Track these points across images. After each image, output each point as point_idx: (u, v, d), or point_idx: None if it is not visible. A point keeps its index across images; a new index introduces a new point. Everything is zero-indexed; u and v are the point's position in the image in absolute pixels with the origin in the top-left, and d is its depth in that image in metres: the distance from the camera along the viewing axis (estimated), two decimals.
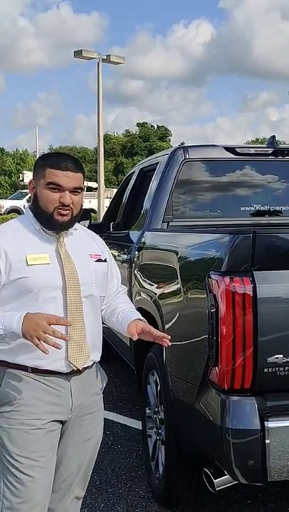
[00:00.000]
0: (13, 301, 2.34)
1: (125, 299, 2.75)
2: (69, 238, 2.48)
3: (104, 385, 2.64)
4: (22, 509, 2.32)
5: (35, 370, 2.35)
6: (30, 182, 2.47)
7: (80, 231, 2.61)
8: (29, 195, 2.71)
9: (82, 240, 2.55)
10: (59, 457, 2.46)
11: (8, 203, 34.78)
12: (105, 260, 2.58)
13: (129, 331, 2.49)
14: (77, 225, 2.57)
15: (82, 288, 2.41)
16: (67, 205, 2.38)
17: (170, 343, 2.51)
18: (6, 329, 2.24)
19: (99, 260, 2.55)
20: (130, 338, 3.90)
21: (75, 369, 2.39)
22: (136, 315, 2.61)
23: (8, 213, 31.99)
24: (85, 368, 2.46)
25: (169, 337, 2.50)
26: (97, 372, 2.59)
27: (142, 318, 2.60)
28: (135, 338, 2.47)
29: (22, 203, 30.81)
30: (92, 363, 2.51)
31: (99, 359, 2.57)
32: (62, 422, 2.44)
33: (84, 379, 2.47)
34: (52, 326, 2.19)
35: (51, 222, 2.40)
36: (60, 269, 2.39)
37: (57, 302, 2.36)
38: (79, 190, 2.43)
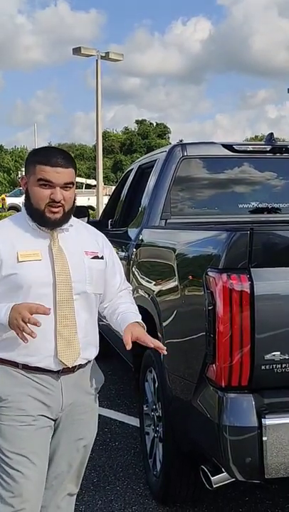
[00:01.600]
0: (6, 298, 2.32)
1: (127, 299, 2.69)
2: (64, 234, 2.45)
3: (100, 385, 2.60)
4: (13, 503, 2.31)
5: (26, 367, 2.34)
6: (23, 178, 2.45)
7: (79, 227, 2.58)
8: None
9: (78, 236, 2.52)
10: (50, 454, 2.46)
11: (7, 200, 34.79)
12: (102, 258, 2.55)
13: (125, 339, 2.42)
14: (75, 221, 2.55)
15: (73, 285, 2.38)
16: (58, 202, 2.36)
17: (166, 352, 2.51)
18: None
19: (95, 257, 2.51)
20: None
21: (65, 367, 2.37)
22: (134, 317, 2.56)
23: (7, 210, 32.00)
24: (79, 367, 2.44)
25: (164, 348, 2.48)
26: (93, 371, 2.55)
27: (139, 321, 2.55)
28: (129, 347, 2.39)
29: (21, 200, 30.82)
30: (85, 361, 2.47)
31: (94, 356, 2.54)
32: (54, 420, 2.44)
33: (77, 378, 2.44)
34: (34, 315, 2.19)
35: (43, 220, 2.38)
36: (51, 265, 2.37)
37: (47, 299, 2.33)
38: (70, 186, 2.39)
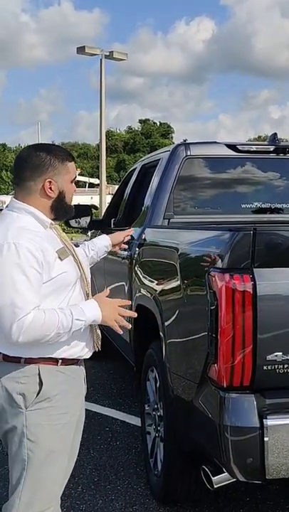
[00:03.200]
0: (51, 296, 2.31)
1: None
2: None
3: None
4: (54, 503, 2.38)
5: (64, 362, 2.36)
6: (48, 182, 2.37)
7: None
8: None
9: None
10: None
11: (9, 199, 34.82)
12: (77, 245, 2.75)
13: (117, 239, 3.13)
14: None
15: (87, 273, 2.53)
16: None
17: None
18: (88, 320, 2.31)
19: (76, 246, 2.69)
20: (130, 335, 3.93)
21: (97, 350, 2.49)
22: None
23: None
24: None
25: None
26: None
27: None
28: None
29: None
30: None
31: None
32: None
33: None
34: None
35: (68, 213, 2.49)
36: (74, 259, 2.44)
37: (81, 292, 2.44)
38: None
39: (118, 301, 2.45)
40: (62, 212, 2.46)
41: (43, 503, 2.32)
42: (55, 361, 2.33)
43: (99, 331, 2.52)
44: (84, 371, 2.52)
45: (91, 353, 2.48)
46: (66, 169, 2.40)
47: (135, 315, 2.60)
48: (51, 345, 2.28)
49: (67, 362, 2.37)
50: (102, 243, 3.05)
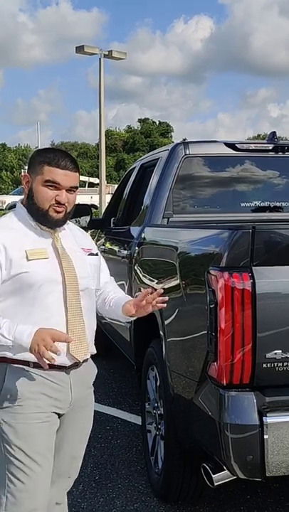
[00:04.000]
0: (14, 297, 2.34)
1: (113, 286, 2.80)
2: (63, 233, 2.50)
3: (94, 377, 2.64)
4: (27, 504, 2.33)
5: (37, 365, 2.35)
6: (25, 176, 2.45)
7: (72, 227, 2.64)
8: None
9: (74, 235, 2.59)
10: (54, 451, 2.47)
11: (9, 199, 34.73)
12: (97, 254, 2.64)
13: (126, 310, 2.54)
14: (68, 221, 2.60)
15: (79, 281, 2.44)
16: (63, 204, 2.39)
17: (165, 305, 2.53)
18: (16, 342, 2.24)
19: (91, 254, 2.60)
20: (130, 334, 3.93)
21: (76, 361, 2.41)
22: (126, 297, 2.67)
23: (9, 209, 31.99)
24: (84, 361, 2.48)
25: (165, 298, 2.51)
26: (90, 365, 2.59)
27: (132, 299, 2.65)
28: (133, 312, 2.52)
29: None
30: (90, 355, 2.53)
31: (95, 351, 2.58)
32: (59, 416, 2.46)
33: (82, 372, 2.48)
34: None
35: (46, 219, 2.41)
36: (58, 263, 2.40)
37: (57, 296, 2.38)
38: (74, 189, 2.44)
39: (50, 333, 2.22)
40: (37, 216, 2.41)
41: (26, 508, 2.33)
42: (26, 363, 2.35)
43: (86, 344, 2.44)
44: (70, 379, 2.43)
45: (69, 363, 2.39)
46: (40, 170, 2.38)
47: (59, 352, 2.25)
48: (21, 348, 2.30)
49: (41, 366, 2.34)
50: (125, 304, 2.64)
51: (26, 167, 2.57)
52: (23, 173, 2.37)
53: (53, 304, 2.35)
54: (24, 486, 2.31)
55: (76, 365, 2.44)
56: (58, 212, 2.40)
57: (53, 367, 2.36)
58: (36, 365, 2.35)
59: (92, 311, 2.57)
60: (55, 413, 2.42)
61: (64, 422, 2.49)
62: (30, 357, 2.32)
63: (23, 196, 2.51)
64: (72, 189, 2.42)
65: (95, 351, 2.57)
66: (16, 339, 2.23)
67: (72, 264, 2.44)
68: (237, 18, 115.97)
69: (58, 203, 2.38)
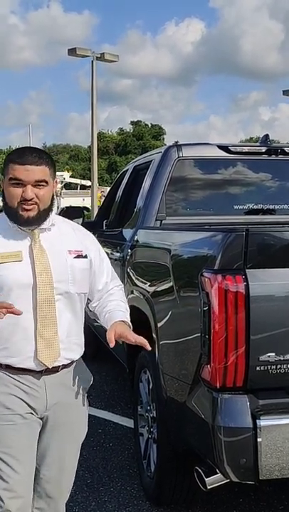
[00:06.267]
0: None
1: (117, 296, 2.62)
2: (46, 234, 2.41)
3: (89, 385, 2.58)
4: (7, 503, 2.31)
5: (9, 368, 2.34)
6: (2, 180, 2.40)
7: (65, 227, 2.53)
8: None
9: (62, 236, 2.47)
10: (41, 456, 2.46)
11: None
12: (86, 256, 2.49)
13: (108, 336, 2.36)
14: (60, 221, 2.52)
15: (55, 285, 2.35)
16: (30, 200, 2.31)
17: (150, 348, 2.40)
18: None
19: (79, 256, 2.45)
20: None
21: (45, 367, 2.35)
22: (120, 315, 2.50)
23: None
24: (63, 367, 2.42)
25: (147, 344, 2.37)
26: (79, 371, 2.52)
27: (125, 319, 2.50)
28: (112, 344, 2.34)
29: None
30: (68, 361, 2.44)
31: (79, 357, 2.51)
32: (41, 418, 2.43)
33: (62, 378, 2.42)
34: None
35: (17, 218, 2.34)
36: (31, 266, 2.33)
37: (27, 300, 2.31)
38: (43, 184, 2.33)
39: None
40: (11, 216, 2.36)
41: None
42: None
43: (56, 350, 2.36)
44: (45, 382, 2.38)
45: (38, 368, 2.34)
46: (6, 169, 2.34)
47: None
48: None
49: (13, 369, 2.34)
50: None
51: None
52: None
53: (23, 307, 2.26)
54: (2, 485, 2.31)
55: (52, 370, 2.38)
56: (27, 210, 2.31)
57: (23, 370, 2.34)
58: (8, 368, 2.34)
59: (75, 316, 2.46)
60: (33, 414, 2.38)
61: (48, 427, 2.45)
62: (1, 360, 2.33)
63: None
64: (39, 184, 2.32)
65: (76, 358, 2.48)
66: None
67: (49, 267, 2.35)
68: (228, 22, 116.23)
69: (25, 199, 2.30)
